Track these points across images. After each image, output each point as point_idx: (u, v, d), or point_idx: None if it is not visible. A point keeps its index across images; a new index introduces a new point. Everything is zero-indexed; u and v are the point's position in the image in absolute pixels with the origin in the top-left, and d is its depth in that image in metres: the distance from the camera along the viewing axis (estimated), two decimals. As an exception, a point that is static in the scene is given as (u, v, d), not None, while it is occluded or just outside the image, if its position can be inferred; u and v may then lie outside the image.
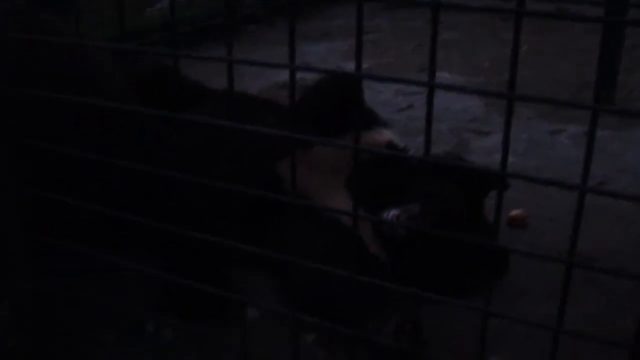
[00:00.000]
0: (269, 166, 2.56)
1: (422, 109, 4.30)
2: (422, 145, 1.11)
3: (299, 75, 1.17)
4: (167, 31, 5.67)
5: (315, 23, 6.80)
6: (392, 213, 2.31)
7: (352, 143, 1.17)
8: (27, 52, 1.84)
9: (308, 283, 2.23)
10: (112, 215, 1.53)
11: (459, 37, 6.31)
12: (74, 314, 1.82)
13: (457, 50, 5.92)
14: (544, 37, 6.12)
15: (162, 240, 1.68)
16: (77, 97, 1.48)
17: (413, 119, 4.28)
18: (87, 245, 1.67)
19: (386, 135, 2.68)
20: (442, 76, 5.06)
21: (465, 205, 2.47)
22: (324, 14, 7.23)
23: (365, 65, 5.33)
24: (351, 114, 2.25)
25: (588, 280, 2.50)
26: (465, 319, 2.24)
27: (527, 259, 2.55)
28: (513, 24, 0.94)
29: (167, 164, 2.55)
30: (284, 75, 4.78)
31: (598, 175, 3.38)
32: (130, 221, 1.51)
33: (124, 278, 2.32)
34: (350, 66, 5.45)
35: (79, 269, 1.73)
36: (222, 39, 5.81)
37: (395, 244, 2.38)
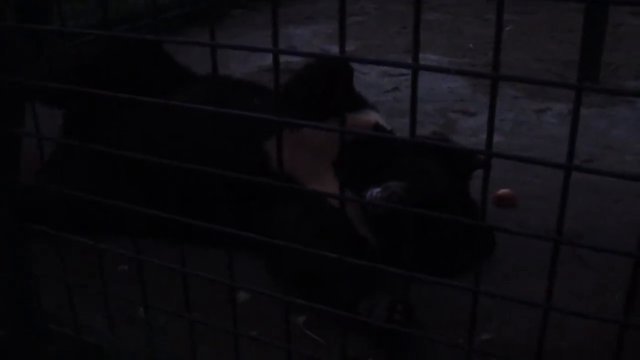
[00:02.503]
0: (255, 144, 2.57)
1: (407, 91, 4.34)
2: (408, 127, 1.11)
3: (283, 59, 1.17)
4: (151, 17, 5.65)
5: (300, 6, 6.78)
6: (375, 191, 2.31)
7: (338, 126, 1.17)
8: None
9: (297, 265, 2.24)
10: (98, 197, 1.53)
11: (443, 18, 6.31)
12: (63, 300, 1.82)
13: (442, 31, 5.92)
14: (528, 17, 6.14)
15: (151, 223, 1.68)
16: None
17: (399, 100, 4.29)
18: (74, 229, 1.68)
19: (373, 117, 2.68)
20: (427, 57, 5.06)
21: (449, 184, 2.48)
22: (308, -4, 7.22)
23: (350, 47, 5.32)
24: (338, 97, 2.25)
25: (577, 258, 2.52)
26: (455, 298, 2.27)
27: (516, 238, 2.56)
28: (496, 5, 0.94)
29: (152, 144, 2.56)
30: (269, 60, 4.77)
31: (584, 153, 3.40)
32: (113, 204, 1.51)
33: (114, 262, 2.33)
34: (335, 49, 5.45)
35: (68, 254, 1.73)
36: (207, 24, 5.77)
37: (379, 223, 2.39)
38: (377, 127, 2.63)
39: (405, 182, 2.31)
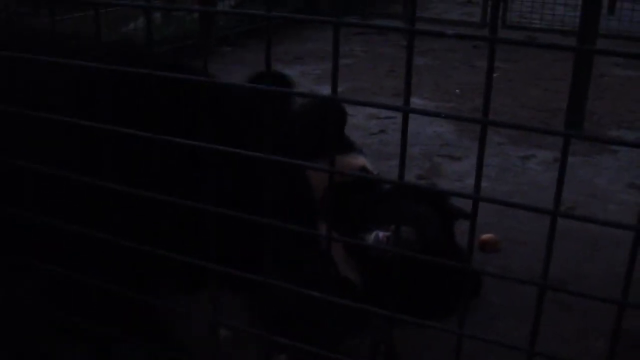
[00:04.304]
0: None
1: (394, 134, 4.34)
2: (395, 170, 1.12)
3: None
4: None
5: (289, 46, 6.83)
6: (381, 235, 2.31)
7: (327, 166, 1.18)
8: None
9: (278, 304, 2.23)
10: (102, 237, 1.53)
11: (431, 63, 6.38)
12: (42, 335, 1.80)
13: (429, 76, 5.98)
14: (515, 65, 6.22)
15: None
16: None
17: (385, 143, 4.32)
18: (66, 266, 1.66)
19: (360, 160, 2.69)
20: (413, 102, 5.10)
21: (440, 228, 2.49)
22: (296, 37, 7.27)
23: (339, 89, 5.34)
24: (327, 139, 2.27)
25: (560, 303, 2.53)
26: (440, 340, 2.26)
27: (499, 282, 2.57)
28: (486, 52, 0.96)
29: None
30: (257, 98, 4.78)
31: (568, 200, 3.43)
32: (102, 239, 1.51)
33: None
34: (323, 90, 5.48)
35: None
36: (197, 60, 5.78)
37: (373, 266, 2.38)
38: (363, 170, 2.64)
39: (410, 226, 2.31)
